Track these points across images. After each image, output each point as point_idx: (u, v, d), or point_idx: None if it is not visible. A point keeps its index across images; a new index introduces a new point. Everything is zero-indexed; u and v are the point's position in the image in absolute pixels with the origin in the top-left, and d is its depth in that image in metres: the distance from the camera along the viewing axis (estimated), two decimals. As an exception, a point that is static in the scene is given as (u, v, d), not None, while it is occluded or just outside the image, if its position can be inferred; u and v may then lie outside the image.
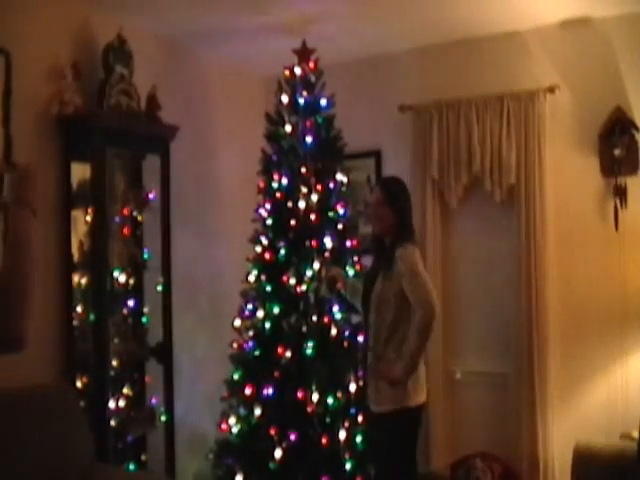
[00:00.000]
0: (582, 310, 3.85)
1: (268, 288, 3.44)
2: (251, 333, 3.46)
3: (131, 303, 3.50)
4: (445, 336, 4.10)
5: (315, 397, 3.24)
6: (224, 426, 3.42)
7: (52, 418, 2.81)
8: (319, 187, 3.50)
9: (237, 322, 3.50)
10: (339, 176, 3.59)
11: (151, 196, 3.54)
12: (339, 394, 3.31)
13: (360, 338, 3.43)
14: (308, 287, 3.39)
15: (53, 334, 3.17)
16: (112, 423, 3.23)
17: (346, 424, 3.29)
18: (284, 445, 3.22)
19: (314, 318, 3.38)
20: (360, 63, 4.50)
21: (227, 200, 4.46)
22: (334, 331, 3.36)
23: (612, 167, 3.75)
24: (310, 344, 3.29)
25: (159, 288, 3.56)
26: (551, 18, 3.85)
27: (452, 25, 3.92)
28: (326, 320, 3.37)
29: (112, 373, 3.30)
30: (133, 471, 3.32)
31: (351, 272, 3.50)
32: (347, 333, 3.42)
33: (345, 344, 3.40)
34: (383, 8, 3.65)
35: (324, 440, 3.22)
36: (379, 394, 2.89)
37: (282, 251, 3.44)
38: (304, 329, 3.37)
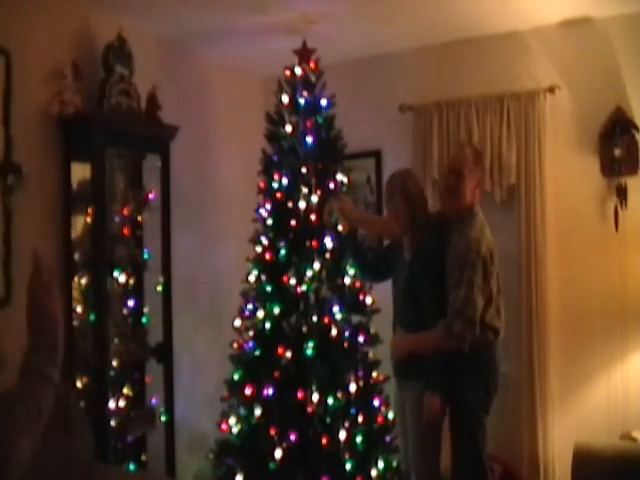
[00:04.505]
0: (582, 310, 3.86)
1: (268, 288, 3.44)
2: (251, 333, 3.46)
3: (131, 303, 3.50)
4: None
5: (315, 397, 3.24)
6: (224, 426, 3.42)
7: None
8: (319, 187, 3.50)
9: (237, 322, 3.50)
10: (339, 176, 3.59)
11: (151, 196, 3.54)
12: (339, 394, 3.30)
13: (360, 338, 3.44)
14: (308, 287, 3.39)
15: (53, 334, 3.17)
16: (112, 423, 3.23)
17: (346, 424, 3.29)
18: (284, 445, 3.22)
19: (314, 318, 3.38)
20: (360, 63, 4.50)
21: (227, 200, 4.46)
22: (334, 331, 3.36)
23: (612, 167, 3.76)
24: (310, 344, 3.29)
25: (159, 288, 3.56)
26: (551, 18, 3.85)
27: (452, 25, 3.92)
28: (326, 320, 3.37)
29: (112, 373, 3.30)
30: (133, 471, 3.31)
31: (351, 272, 3.51)
32: (347, 333, 3.42)
33: (345, 344, 3.39)
34: (383, 8, 3.65)
35: (324, 440, 3.22)
36: None
37: (282, 251, 3.44)
38: (304, 329, 3.36)
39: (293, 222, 3.44)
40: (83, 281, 3.31)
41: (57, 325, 1.43)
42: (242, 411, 3.40)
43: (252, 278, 3.51)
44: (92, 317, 3.18)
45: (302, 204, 3.45)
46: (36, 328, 1.40)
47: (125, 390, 3.41)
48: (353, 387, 3.35)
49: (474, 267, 2.78)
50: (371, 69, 4.49)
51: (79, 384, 3.23)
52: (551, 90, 3.89)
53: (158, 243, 3.58)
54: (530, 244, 3.88)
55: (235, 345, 3.49)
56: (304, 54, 3.59)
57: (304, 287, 3.39)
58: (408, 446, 3.01)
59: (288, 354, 3.31)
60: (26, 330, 1.42)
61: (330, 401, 3.26)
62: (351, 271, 3.51)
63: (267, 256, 3.46)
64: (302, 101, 3.55)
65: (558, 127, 3.92)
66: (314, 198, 3.47)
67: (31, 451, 1.32)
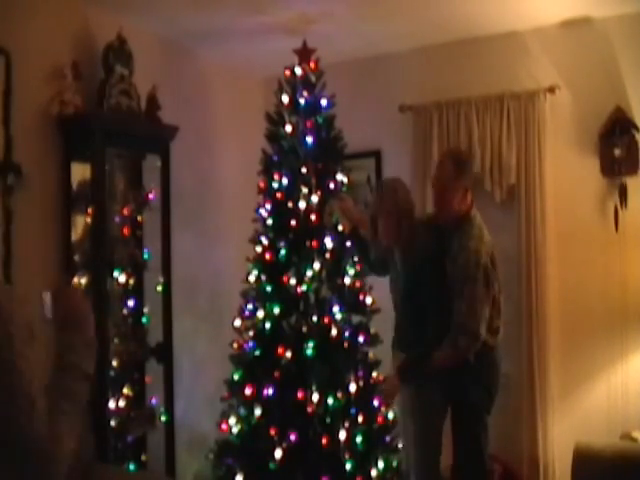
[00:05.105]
0: (582, 310, 3.86)
1: (268, 288, 3.44)
2: (251, 333, 3.46)
3: (131, 303, 3.50)
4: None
5: (315, 397, 3.24)
6: (224, 426, 3.42)
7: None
8: (319, 187, 3.50)
9: (237, 322, 3.50)
10: (339, 176, 3.59)
11: (151, 196, 3.54)
12: (339, 394, 3.30)
13: (360, 338, 3.43)
14: (308, 287, 3.39)
15: (53, 334, 3.17)
16: (112, 423, 3.23)
17: (346, 424, 3.28)
18: (284, 445, 3.22)
19: (314, 318, 3.38)
20: (360, 63, 4.50)
21: (227, 200, 4.46)
22: (334, 331, 3.35)
23: (612, 167, 3.76)
24: (310, 344, 3.29)
25: (159, 288, 3.56)
26: (551, 18, 3.85)
27: (452, 25, 3.92)
28: (326, 320, 3.37)
29: (112, 373, 3.30)
30: (133, 471, 3.32)
31: (351, 272, 3.51)
32: (347, 333, 3.41)
33: (345, 344, 3.39)
34: (383, 8, 3.65)
35: (324, 440, 3.21)
36: None
37: (282, 251, 3.44)
38: (304, 329, 3.36)
39: (293, 222, 3.44)
40: (83, 281, 3.31)
41: (90, 323, 1.47)
42: (242, 411, 3.39)
43: (252, 278, 3.51)
44: (92, 317, 3.18)
45: (302, 204, 3.45)
46: (70, 327, 1.41)
47: (125, 390, 3.41)
48: (353, 387, 3.35)
49: (475, 281, 2.79)
50: (371, 69, 4.49)
51: (79, 384, 3.22)
52: (551, 90, 3.89)
53: (158, 243, 3.58)
54: (530, 244, 3.88)
55: (235, 345, 3.49)
56: (304, 54, 3.59)
57: (304, 287, 3.39)
58: (408, 447, 3.01)
59: (288, 354, 3.30)
60: (55, 331, 1.43)
61: (330, 401, 3.26)
62: (351, 271, 3.51)
63: (267, 256, 3.46)
64: (302, 101, 3.55)
65: (558, 127, 3.92)
66: (314, 198, 3.46)
67: (73, 449, 1.33)
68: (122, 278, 3.45)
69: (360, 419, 3.34)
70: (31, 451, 1.21)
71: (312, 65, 3.58)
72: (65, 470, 1.27)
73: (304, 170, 3.50)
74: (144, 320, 3.55)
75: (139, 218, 3.57)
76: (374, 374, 3.46)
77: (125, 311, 3.50)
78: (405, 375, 2.90)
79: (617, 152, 3.73)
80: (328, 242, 3.43)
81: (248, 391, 3.34)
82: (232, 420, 3.40)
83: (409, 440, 2.99)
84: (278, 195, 3.51)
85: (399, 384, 2.93)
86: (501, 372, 3.01)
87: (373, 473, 3.31)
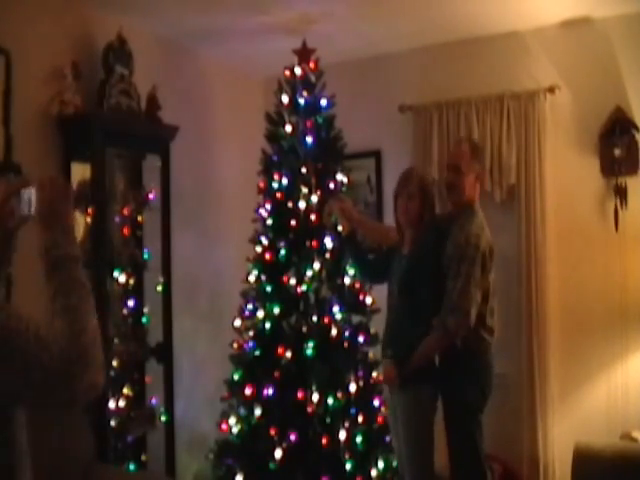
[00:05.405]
0: (582, 310, 3.86)
1: (268, 288, 3.44)
2: (251, 333, 3.46)
3: (131, 303, 3.50)
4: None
5: (315, 397, 3.24)
6: (224, 426, 3.42)
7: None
8: (319, 187, 3.50)
9: (237, 322, 3.51)
10: (339, 176, 3.59)
11: (151, 196, 3.54)
12: (339, 394, 3.31)
13: (360, 338, 3.44)
14: (308, 287, 3.40)
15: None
16: (112, 423, 3.23)
17: (346, 424, 3.29)
18: (284, 445, 3.22)
19: (314, 318, 3.38)
20: (360, 63, 4.49)
21: (227, 200, 4.46)
22: (334, 331, 3.36)
23: (612, 167, 3.76)
24: (310, 344, 3.30)
25: (159, 288, 3.56)
26: (551, 18, 3.85)
27: (452, 25, 3.92)
28: (326, 320, 3.37)
29: (112, 373, 3.30)
30: (133, 471, 3.32)
31: (351, 272, 3.51)
32: (347, 333, 3.42)
33: (345, 344, 3.40)
34: (383, 8, 3.65)
35: (324, 440, 3.22)
36: None
37: (282, 251, 3.44)
38: (304, 329, 3.37)
39: (293, 222, 3.45)
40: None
41: (70, 210, 1.44)
42: (242, 411, 3.40)
43: (252, 278, 3.51)
44: (92, 317, 3.18)
45: (302, 204, 3.45)
46: (52, 220, 1.39)
47: (125, 390, 3.41)
48: (353, 387, 3.35)
49: (472, 261, 2.79)
50: (371, 69, 4.49)
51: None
52: (551, 90, 3.89)
53: (158, 243, 3.58)
54: (530, 244, 3.88)
55: (235, 345, 3.49)
56: (304, 54, 3.59)
57: (304, 287, 3.39)
58: (401, 448, 3.01)
59: (288, 354, 3.31)
60: (39, 227, 1.41)
61: (330, 401, 3.26)
62: (351, 271, 3.51)
63: (267, 256, 3.46)
64: (302, 101, 3.55)
65: (558, 127, 3.92)
66: (314, 198, 3.47)
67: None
68: (122, 278, 3.45)
69: (360, 419, 3.34)
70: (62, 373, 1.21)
71: (312, 65, 3.58)
72: (100, 360, 1.27)
73: (304, 170, 3.50)
74: (144, 320, 3.55)
75: (139, 218, 3.57)
76: (374, 374, 3.47)
77: (125, 311, 3.50)
78: (401, 366, 2.87)
79: (617, 152, 3.73)
80: (328, 242, 3.43)
81: (248, 391, 3.34)
82: (232, 420, 3.40)
83: (402, 440, 2.98)
84: (278, 195, 3.51)
85: (393, 368, 2.90)
86: (494, 373, 3.00)
87: (373, 473, 3.32)
